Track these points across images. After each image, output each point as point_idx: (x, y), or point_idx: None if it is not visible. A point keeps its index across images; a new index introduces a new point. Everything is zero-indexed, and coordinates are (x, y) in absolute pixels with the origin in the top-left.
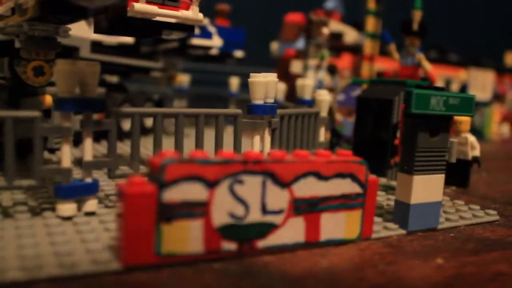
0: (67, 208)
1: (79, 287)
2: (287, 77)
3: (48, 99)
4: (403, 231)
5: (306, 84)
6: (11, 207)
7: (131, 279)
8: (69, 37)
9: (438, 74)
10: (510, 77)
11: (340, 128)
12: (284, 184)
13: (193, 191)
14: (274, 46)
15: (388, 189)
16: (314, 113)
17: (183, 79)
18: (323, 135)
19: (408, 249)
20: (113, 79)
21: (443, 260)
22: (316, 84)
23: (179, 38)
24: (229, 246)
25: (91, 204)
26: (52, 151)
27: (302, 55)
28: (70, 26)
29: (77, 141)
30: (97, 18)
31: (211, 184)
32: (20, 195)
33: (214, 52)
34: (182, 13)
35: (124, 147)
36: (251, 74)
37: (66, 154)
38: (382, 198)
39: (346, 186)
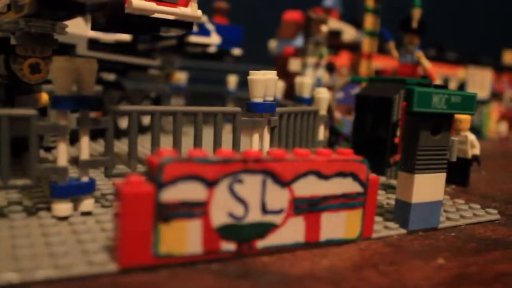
0: (63, 208)
1: None
2: (286, 75)
3: (44, 97)
4: (403, 231)
5: (305, 82)
6: (5, 206)
7: (128, 280)
8: (66, 34)
9: (437, 72)
10: (508, 76)
11: (339, 126)
12: (284, 183)
13: (191, 191)
14: (273, 44)
15: (388, 188)
16: (313, 111)
17: (181, 77)
18: (322, 133)
19: (409, 249)
20: (110, 76)
21: (445, 260)
22: (315, 82)
23: (177, 35)
24: (228, 246)
25: (88, 204)
26: (48, 149)
27: (300, 53)
28: (67, 23)
29: (73, 140)
30: (94, 14)
31: (210, 184)
32: (15, 194)
33: (212, 49)
34: (181, 10)
35: (121, 146)
36: (250, 71)
37: (63, 153)
38: (382, 197)
39: (347, 186)
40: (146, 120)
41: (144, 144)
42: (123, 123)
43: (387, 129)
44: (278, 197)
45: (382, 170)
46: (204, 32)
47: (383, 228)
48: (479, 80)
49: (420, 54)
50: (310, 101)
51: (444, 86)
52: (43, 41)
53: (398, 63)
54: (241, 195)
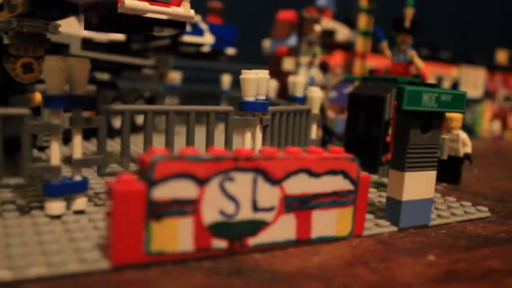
0: (56, 206)
1: (68, 287)
2: (279, 74)
3: (38, 97)
4: (394, 228)
5: (298, 81)
6: None
7: (120, 278)
8: (59, 34)
9: (430, 71)
10: (501, 75)
11: (332, 125)
12: (275, 181)
13: (183, 189)
14: (266, 43)
15: (380, 186)
16: (306, 110)
17: (175, 76)
18: (314, 132)
19: (400, 246)
20: (104, 76)
21: (435, 257)
22: (308, 82)
23: (171, 34)
24: (220, 244)
25: (80, 203)
26: (42, 149)
27: (294, 52)
28: (60, 23)
29: (67, 139)
30: (87, 14)
31: (202, 182)
32: (8, 193)
33: (206, 49)
34: (173, 9)
35: (114, 145)
36: (242, 71)
37: (56, 152)
38: (374, 195)
39: (338, 183)
40: (139, 119)
41: (136, 143)
42: (117, 122)
43: (379, 128)
44: (269, 195)
45: (375, 169)
46: (197, 31)
47: (374, 226)
48: (472, 79)
49: (413, 54)
50: (303, 100)
51: (435, 85)
52: (36, 40)
53: (391, 62)
54: (232, 193)
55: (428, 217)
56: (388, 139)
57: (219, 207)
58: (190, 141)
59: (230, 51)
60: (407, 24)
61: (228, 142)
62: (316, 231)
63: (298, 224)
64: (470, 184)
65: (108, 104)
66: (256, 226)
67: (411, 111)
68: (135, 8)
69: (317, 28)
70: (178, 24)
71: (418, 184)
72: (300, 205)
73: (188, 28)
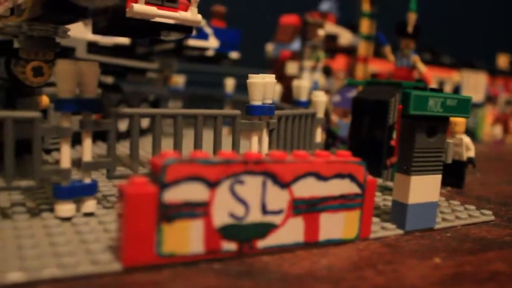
0: (66, 208)
1: None
2: (283, 78)
3: (45, 100)
4: (400, 231)
5: (302, 86)
6: (9, 208)
7: (132, 279)
8: (68, 38)
9: (432, 75)
10: (502, 79)
11: (336, 129)
12: (284, 184)
13: (194, 191)
14: (270, 47)
15: (385, 189)
16: (311, 114)
17: (179, 80)
18: (319, 136)
19: (405, 249)
20: (109, 79)
21: (441, 260)
22: (312, 86)
23: (177, 39)
24: (229, 246)
25: (90, 205)
26: (48, 152)
27: (297, 56)
28: (68, 26)
29: (75, 142)
30: (95, 18)
31: (212, 184)
32: (18, 195)
33: (209, 53)
34: (181, 14)
35: (120, 148)
36: (249, 75)
37: (66, 155)
38: (379, 198)
39: (345, 187)
40: (144, 122)
41: (143, 147)
42: (122, 125)
43: (383, 132)
44: (278, 198)
45: (379, 172)
46: (202, 35)
47: (381, 229)
48: (474, 84)
49: (416, 58)
50: (307, 104)
51: (440, 90)
52: (46, 44)
53: (394, 67)
54: (242, 195)
55: (434, 221)
56: (392, 143)
57: (229, 210)
58: (198, 144)
59: (234, 55)
60: (410, 29)
61: (235, 146)
62: (324, 234)
63: (306, 227)
64: (474, 188)
65: (113, 107)
66: (265, 229)
67: (417, 116)
68: (144, 13)
69: (321, 32)
70: (185, 29)
71: (424, 188)
72: (308, 208)
73: (193, 32)
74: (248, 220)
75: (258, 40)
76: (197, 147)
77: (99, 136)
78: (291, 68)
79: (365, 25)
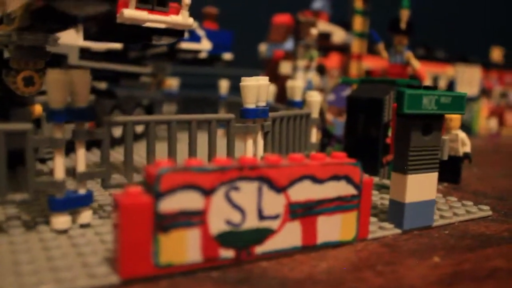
0: (61, 221)
1: None
2: (276, 78)
3: (38, 109)
4: (398, 231)
5: (296, 86)
6: (4, 221)
7: None
8: (58, 46)
9: (426, 71)
10: (496, 72)
11: (331, 128)
12: (279, 189)
13: (189, 200)
14: (263, 47)
15: (381, 188)
16: (306, 114)
17: (172, 83)
18: (315, 136)
19: (404, 248)
20: (102, 85)
21: (440, 258)
22: (306, 85)
23: (169, 43)
24: (227, 253)
25: (86, 216)
26: (43, 161)
27: (291, 56)
28: (58, 34)
29: (68, 150)
30: (86, 24)
31: (207, 192)
32: (13, 209)
33: (203, 55)
34: (172, 18)
35: (115, 154)
36: (242, 78)
37: (59, 166)
38: (376, 197)
39: (341, 188)
40: (139, 128)
41: (137, 152)
42: (116, 131)
43: (378, 130)
44: (274, 203)
45: (375, 170)
46: (194, 38)
47: (378, 229)
48: (468, 78)
49: (409, 55)
50: (302, 104)
51: (434, 87)
52: (36, 53)
53: (387, 64)
54: (237, 202)
55: (431, 218)
56: (388, 140)
57: (225, 217)
58: (192, 150)
59: (227, 56)
60: (403, 25)
61: (230, 150)
62: (322, 237)
63: (304, 230)
64: (470, 183)
65: (107, 113)
66: (262, 234)
67: (411, 114)
68: (134, 18)
69: (314, 31)
70: (176, 33)
71: (421, 186)
72: (305, 212)
73: (185, 35)
74: (245, 227)
75: (251, 40)
76: (192, 153)
77: (94, 143)
78: (285, 68)
79: (358, 23)
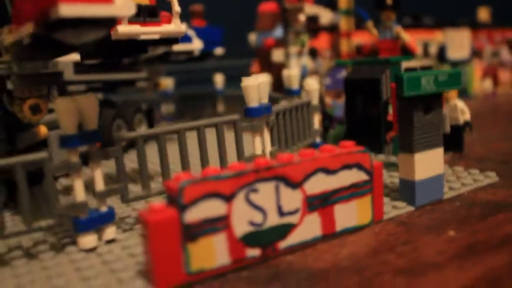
0: (88, 240)
1: None
2: (269, 66)
3: (43, 130)
4: (411, 208)
5: (293, 74)
6: (32, 247)
7: None
8: (57, 67)
9: (415, 38)
10: (485, 32)
11: (331, 111)
12: (295, 184)
13: (212, 208)
14: (252, 37)
15: (389, 166)
16: (306, 103)
17: (167, 82)
18: (317, 122)
19: (419, 225)
20: (99, 96)
21: (454, 232)
22: (301, 71)
23: (165, 51)
24: (253, 252)
25: (110, 232)
26: (55, 179)
27: (281, 43)
28: None
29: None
30: (82, 46)
31: (228, 198)
32: (38, 233)
33: (195, 53)
34: (165, 27)
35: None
36: (242, 78)
37: (80, 188)
38: (384, 176)
39: (354, 176)
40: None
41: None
42: None
43: (378, 109)
44: (292, 199)
45: (380, 148)
46: (185, 39)
47: (392, 209)
48: (458, 41)
49: (398, 29)
50: (299, 92)
51: (429, 67)
52: (38, 81)
53: (378, 40)
54: (257, 203)
55: (441, 192)
56: (390, 118)
57: (248, 219)
58: (204, 156)
59: (219, 51)
60: (389, 1)
61: (239, 150)
62: (340, 224)
63: (322, 220)
64: (473, 149)
65: (110, 124)
66: (285, 230)
67: (412, 97)
68: (129, 33)
69: (302, 17)
70: (171, 41)
71: (428, 163)
72: (321, 203)
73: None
74: (267, 225)
75: (240, 31)
76: (204, 159)
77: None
78: (277, 55)
79: (343, 0)
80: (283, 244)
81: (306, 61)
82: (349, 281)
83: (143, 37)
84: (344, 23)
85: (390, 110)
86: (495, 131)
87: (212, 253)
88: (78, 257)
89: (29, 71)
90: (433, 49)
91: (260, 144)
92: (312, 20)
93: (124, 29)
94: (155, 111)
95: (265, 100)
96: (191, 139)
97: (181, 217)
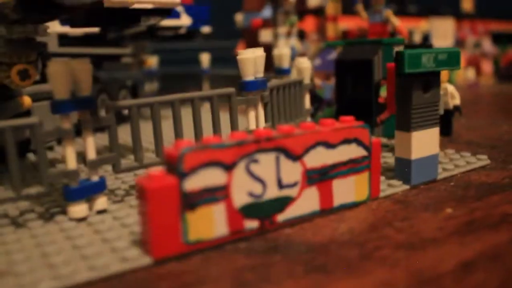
0: (79, 209)
1: (117, 287)
2: (256, 47)
3: (27, 100)
4: (407, 187)
5: (283, 53)
6: (19, 216)
7: (164, 270)
8: (48, 35)
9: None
10: (468, 22)
11: (320, 92)
12: (296, 157)
13: (212, 176)
14: (239, 17)
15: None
16: (299, 81)
17: (152, 61)
18: (308, 102)
19: (416, 203)
20: None
21: (452, 209)
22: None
23: (157, 22)
24: (252, 224)
25: (101, 202)
26: (49, 149)
27: (269, 23)
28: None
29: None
30: (73, 12)
31: (229, 167)
32: (23, 202)
33: (182, 30)
34: None
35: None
36: (239, 51)
37: (71, 156)
38: None
39: (352, 151)
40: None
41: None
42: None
43: (370, 90)
44: (292, 171)
45: (370, 130)
46: (174, 14)
47: (388, 187)
48: (442, 30)
49: (388, 13)
50: (290, 71)
51: (429, 45)
52: (27, 46)
53: (368, 23)
54: (258, 174)
55: (436, 172)
56: (380, 100)
57: (247, 189)
58: (197, 127)
59: (206, 29)
60: None
61: (233, 123)
62: (338, 199)
63: (321, 195)
64: (462, 134)
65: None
66: (283, 203)
67: (412, 74)
68: (121, 1)
69: None
70: (164, 11)
71: (424, 142)
72: (320, 177)
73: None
74: (266, 197)
75: (226, 11)
76: (197, 131)
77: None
78: (265, 36)
79: None
80: (281, 217)
81: (295, 42)
82: (349, 254)
83: (136, 5)
84: (331, 7)
85: (382, 93)
86: (482, 118)
87: (210, 223)
88: (68, 226)
89: (19, 35)
90: (417, 37)
91: (254, 119)
92: (300, 1)
93: None
94: (139, 88)
95: (261, 75)
96: (185, 115)
97: (181, 185)
